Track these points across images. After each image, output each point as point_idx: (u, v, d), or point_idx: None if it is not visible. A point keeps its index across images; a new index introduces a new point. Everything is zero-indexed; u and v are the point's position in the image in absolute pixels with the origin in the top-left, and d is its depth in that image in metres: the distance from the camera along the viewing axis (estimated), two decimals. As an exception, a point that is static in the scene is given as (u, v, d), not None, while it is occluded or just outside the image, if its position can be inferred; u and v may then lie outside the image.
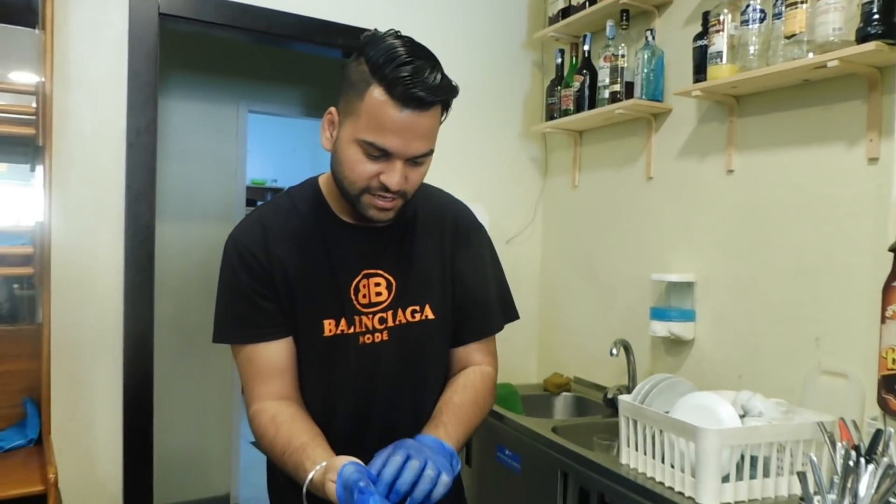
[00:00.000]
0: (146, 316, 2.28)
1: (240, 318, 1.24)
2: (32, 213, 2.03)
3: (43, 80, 1.94)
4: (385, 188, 1.14)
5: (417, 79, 1.09)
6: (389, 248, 1.28)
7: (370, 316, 1.25)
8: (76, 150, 2.18)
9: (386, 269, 1.27)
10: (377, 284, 1.25)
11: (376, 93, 1.09)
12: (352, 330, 1.24)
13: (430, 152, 1.18)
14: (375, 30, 1.16)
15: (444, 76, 1.15)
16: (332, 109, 1.19)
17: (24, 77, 2.10)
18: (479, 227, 1.42)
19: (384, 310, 1.26)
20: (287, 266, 1.24)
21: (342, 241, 1.26)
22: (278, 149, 6.92)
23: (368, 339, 1.25)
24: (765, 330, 2.04)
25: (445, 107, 1.19)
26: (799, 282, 1.95)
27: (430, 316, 1.29)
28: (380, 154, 1.12)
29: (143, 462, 2.34)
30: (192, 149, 3.75)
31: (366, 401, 1.27)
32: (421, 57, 1.13)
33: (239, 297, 1.25)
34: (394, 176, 1.13)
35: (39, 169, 2.00)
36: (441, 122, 1.20)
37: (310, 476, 1.05)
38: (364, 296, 1.25)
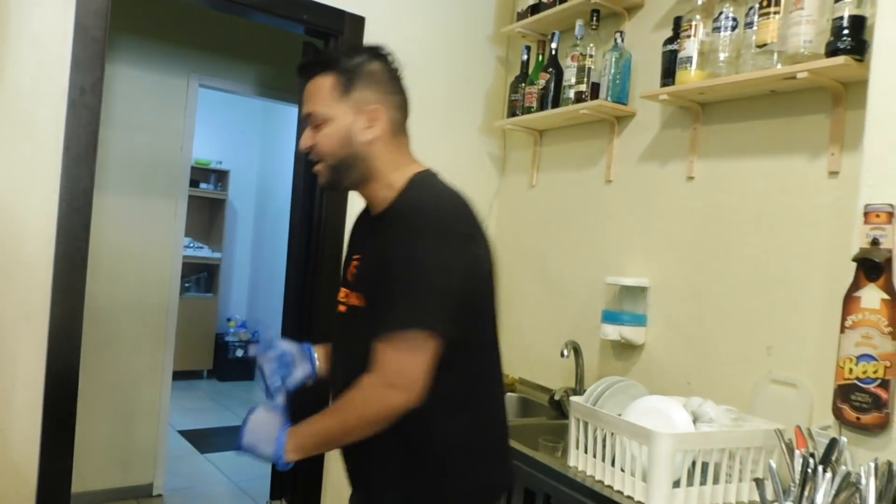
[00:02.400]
0: (77, 288, 2.13)
1: None
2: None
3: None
4: None
5: (308, 56, 1.35)
6: (370, 234, 1.40)
7: (344, 289, 1.41)
8: (11, 104, 2.02)
9: (362, 253, 1.39)
10: (356, 266, 1.39)
11: None
12: (337, 297, 1.44)
13: (318, 115, 1.35)
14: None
15: (335, 50, 1.45)
16: None
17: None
18: (419, 229, 1.28)
19: (348, 286, 1.40)
20: None
21: (359, 224, 1.53)
22: (226, 130, 6.71)
23: (341, 308, 1.41)
24: (716, 337, 2.04)
25: (334, 74, 1.36)
26: (753, 290, 1.95)
27: (360, 304, 1.34)
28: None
29: (63, 445, 2.18)
30: (137, 118, 3.57)
31: (332, 364, 1.49)
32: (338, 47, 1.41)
33: None
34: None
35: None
36: (336, 88, 1.35)
37: None
38: (350, 272, 1.41)
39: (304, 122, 1.36)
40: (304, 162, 2.72)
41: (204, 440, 4.73)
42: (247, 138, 6.89)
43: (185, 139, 3.72)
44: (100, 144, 2.18)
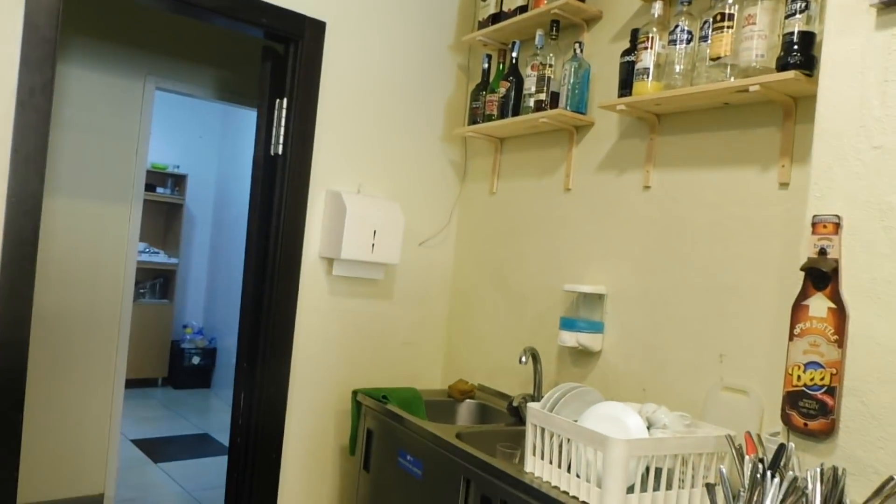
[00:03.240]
0: (25, 294, 2.07)
1: None
2: None
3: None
4: None
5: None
6: None
7: None
8: (-43, 104, 1.97)
9: None
10: None
11: None
12: None
13: None
14: None
15: None
16: None
17: None
18: None
19: None
20: None
21: None
22: (184, 134, 6.62)
23: None
24: (671, 344, 2.08)
25: None
26: (707, 299, 1.99)
27: None
28: None
29: (9, 454, 2.12)
30: (91, 121, 3.49)
31: None
32: None
33: None
34: None
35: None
36: None
37: None
38: None
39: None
40: (263, 166, 2.69)
41: (158, 449, 4.63)
42: (205, 143, 6.80)
43: (141, 142, 3.65)
44: (51, 147, 2.13)
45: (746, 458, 1.30)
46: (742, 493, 1.26)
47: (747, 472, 1.27)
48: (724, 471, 1.28)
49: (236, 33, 3.92)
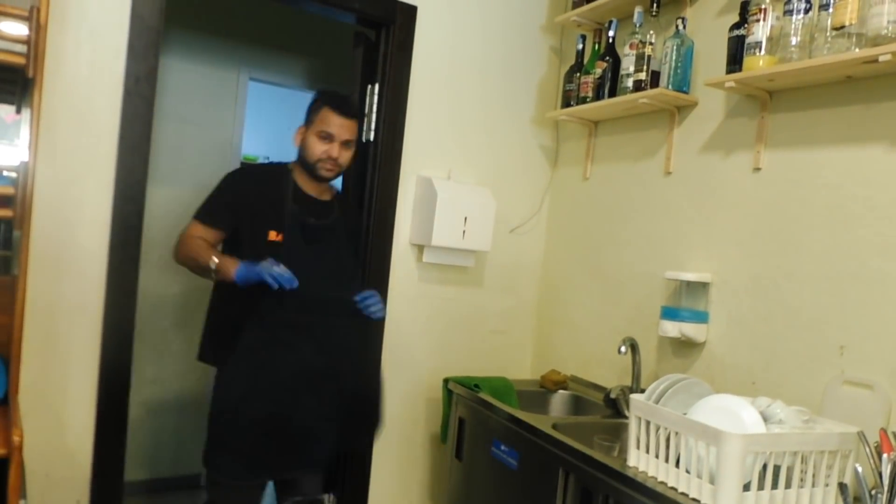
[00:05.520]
0: (131, 276, 2.14)
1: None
2: (16, 156, 1.88)
3: (37, 4, 1.77)
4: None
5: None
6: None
7: None
8: (69, 92, 2.04)
9: None
10: None
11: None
12: None
13: (353, 141, 2.35)
14: None
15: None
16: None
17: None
18: None
19: None
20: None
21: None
22: (273, 126, 6.75)
23: None
24: (784, 335, 1.95)
25: None
26: (825, 286, 1.85)
27: None
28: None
29: (117, 432, 2.20)
30: (188, 112, 3.58)
31: None
32: None
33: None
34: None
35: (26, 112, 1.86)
36: None
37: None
38: None
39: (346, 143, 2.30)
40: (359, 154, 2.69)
41: (250, 433, 4.73)
42: (293, 134, 6.93)
43: (235, 133, 3.73)
44: (151, 136, 2.19)
45: (885, 456, 1.19)
46: (880, 495, 1.16)
47: (886, 472, 1.16)
48: (860, 470, 1.18)
49: (326, 22, 3.94)
